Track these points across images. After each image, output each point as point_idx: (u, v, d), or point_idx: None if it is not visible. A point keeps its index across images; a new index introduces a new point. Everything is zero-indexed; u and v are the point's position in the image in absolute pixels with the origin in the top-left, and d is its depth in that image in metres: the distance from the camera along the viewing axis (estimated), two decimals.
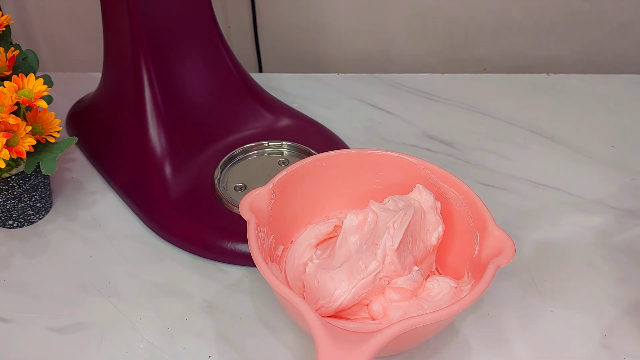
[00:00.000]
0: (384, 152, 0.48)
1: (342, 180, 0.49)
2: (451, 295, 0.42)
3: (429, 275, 0.45)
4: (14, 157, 0.46)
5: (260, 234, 0.42)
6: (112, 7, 0.54)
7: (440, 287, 0.42)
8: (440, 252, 0.46)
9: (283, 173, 0.45)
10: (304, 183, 0.47)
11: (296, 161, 0.47)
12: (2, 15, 0.54)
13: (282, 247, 0.46)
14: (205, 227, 0.51)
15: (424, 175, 0.47)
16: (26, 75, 0.48)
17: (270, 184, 0.44)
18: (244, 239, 0.49)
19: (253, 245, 0.40)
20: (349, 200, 0.49)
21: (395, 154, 0.48)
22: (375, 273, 0.41)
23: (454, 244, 0.46)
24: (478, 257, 0.42)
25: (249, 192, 0.44)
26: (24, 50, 0.55)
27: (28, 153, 0.48)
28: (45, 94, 0.48)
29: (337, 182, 0.49)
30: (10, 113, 0.46)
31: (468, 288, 0.41)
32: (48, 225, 0.54)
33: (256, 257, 0.39)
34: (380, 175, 0.48)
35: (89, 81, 0.68)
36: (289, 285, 0.44)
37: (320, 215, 0.49)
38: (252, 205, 0.43)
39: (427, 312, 0.40)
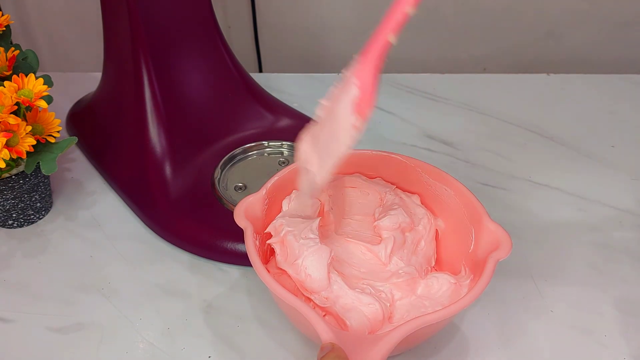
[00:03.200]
0: (374, 152, 0.48)
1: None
2: (451, 292, 0.42)
3: (427, 271, 0.45)
4: (14, 157, 0.46)
5: (257, 242, 0.42)
6: (112, 7, 0.54)
7: (440, 283, 0.42)
8: (436, 248, 0.47)
9: (275, 178, 0.45)
10: (297, 187, 0.47)
11: None
12: (2, 15, 0.54)
13: None
14: (205, 227, 0.51)
15: (415, 173, 0.47)
16: (26, 75, 0.48)
17: (263, 190, 0.44)
18: (243, 239, 0.49)
19: (253, 256, 0.39)
20: None
21: (386, 153, 0.48)
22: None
23: (450, 241, 0.46)
24: (475, 253, 0.42)
25: (242, 199, 0.43)
26: (24, 50, 0.55)
27: (28, 153, 0.48)
28: (45, 94, 0.48)
29: None
30: (10, 113, 0.46)
31: (467, 284, 0.41)
32: (48, 225, 0.54)
33: (258, 267, 0.38)
34: (372, 175, 0.49)
35: (89, 81, 0.68)
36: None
37: None
38: (247, 212, 0.42)
39: (429, 309, 0.40)
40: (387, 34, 0.33)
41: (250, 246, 0.40)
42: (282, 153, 0.58)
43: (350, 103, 0.34)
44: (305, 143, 0.38)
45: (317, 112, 0.37)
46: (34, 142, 0.47)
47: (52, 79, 0.54)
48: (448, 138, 0.64)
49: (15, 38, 0.68)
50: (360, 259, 0.44)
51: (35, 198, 0.53)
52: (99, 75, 0.61)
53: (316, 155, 0.37)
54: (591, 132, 0.65)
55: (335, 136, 0.35)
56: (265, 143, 0.58)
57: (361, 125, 0.34)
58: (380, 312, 0.40)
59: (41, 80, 0.49)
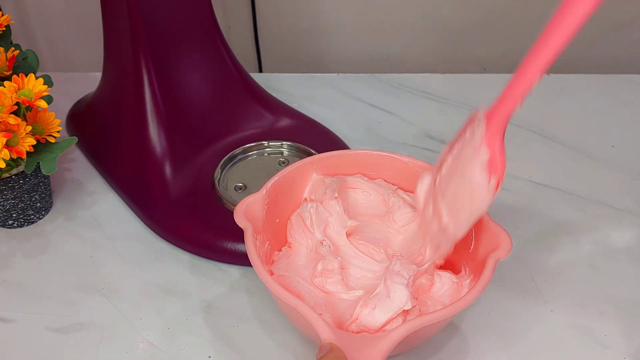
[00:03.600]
0: (374, 152, 0.48)
1: None
2: (453, 291, 0.42)
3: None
4: (14, 157, 0.46)
5: (257, 242, 0.42)
6: (112, 7, 0.54)
7: (442, 282, 0.42)
8: None
9: (275, 178, 0.45)
10: (297, 186, 0.47)
11: (296, 161, 0.47)
12: (2, 15, 0.54)
13: (277, 252, 0.46)
14: (205, 227, 0.51)
15: (415, 173, 0.47)
16: (26, 75, 0.48)
17: (263, 190, 0.44)
18: (243, 239, 0.49)
19: (253, 256, 0.39)
20: None
21: (386, 154, 0.48)
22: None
23: None
24: (475, 252, 0.42)
25: (242, 199, 0.43)
26: (24, 50, 0.55)
27: (28, 153, 0.48)
28: (45, 94, 0.48)
29: None
30: (10, 113, 0.46)
31: (467, 283, 0.41)
32: (48, 225, 0.54)
33: (258, 267, 0.38)
34: (372, 175, 0.49)
35: (89, 81, 0.68)
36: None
37: None
38: (247, 212, 0.42)
39: (430, 308, 0.40)
40: (516, 102, 0.36)
41: (250, 246, 0.40)
42: (282, 153, 0.58)
43: (482, 165, 0.37)
44: (422, 191, 0.42)
45: (437, 161, 0.42)
46: (34, 142, 0.47)
47: (52, 79, 0.54)
48: (448, 138, 0.64)
49: (15, 38, 0.68)
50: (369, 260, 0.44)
51: (35, 198, 0.53)
52: (99, 75, 0.61)
53: (445, 207, 0.40)
54: (591, 132, 0.65)
55: (470, 195, 0.38)
56: (265, 143, 0.58)
57: (496, 185, 0.37)
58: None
59: (41, 80, 0.49)
